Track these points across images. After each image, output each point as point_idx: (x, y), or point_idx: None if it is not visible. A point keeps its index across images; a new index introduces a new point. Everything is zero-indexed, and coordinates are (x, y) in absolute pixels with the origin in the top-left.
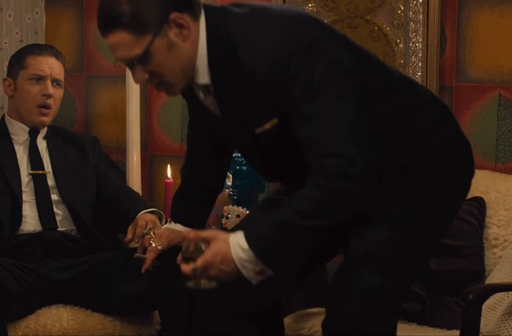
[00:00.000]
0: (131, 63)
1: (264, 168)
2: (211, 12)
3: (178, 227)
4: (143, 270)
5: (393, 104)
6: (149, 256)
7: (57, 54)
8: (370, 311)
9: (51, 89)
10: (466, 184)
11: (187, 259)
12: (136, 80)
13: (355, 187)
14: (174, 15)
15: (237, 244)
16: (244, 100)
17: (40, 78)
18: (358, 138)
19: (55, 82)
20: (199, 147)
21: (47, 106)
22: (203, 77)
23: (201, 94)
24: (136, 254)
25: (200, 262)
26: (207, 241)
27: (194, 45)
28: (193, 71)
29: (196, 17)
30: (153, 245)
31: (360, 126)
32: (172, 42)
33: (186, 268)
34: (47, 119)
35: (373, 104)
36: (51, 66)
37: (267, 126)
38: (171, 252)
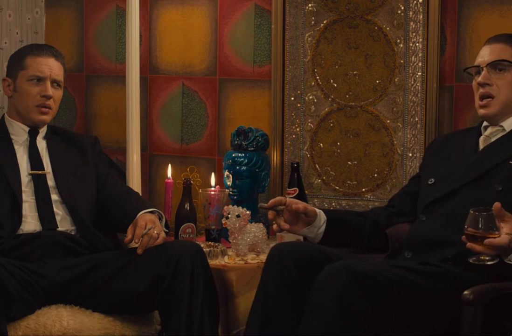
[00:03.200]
0: (482, 68)
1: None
2: None
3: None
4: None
5: None
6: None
7: (56, 55)
8: None
9: (50, 91)
10: None
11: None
12: (481, 78)
13: None
14: None
15: None
16: None
17: (39, 79)
18: None
19: (55, 83)
20: (396, 205)
21: (46, 107)
22: (509, 125)
23: (487, 132)
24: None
25: None
26: (506, 218)
27: None
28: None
29: None
30: (155, 232)
31: None
32: None
33: (496, 240)
34: (47, 118)
35: None
36: (51, 67)
37: None
38: None
